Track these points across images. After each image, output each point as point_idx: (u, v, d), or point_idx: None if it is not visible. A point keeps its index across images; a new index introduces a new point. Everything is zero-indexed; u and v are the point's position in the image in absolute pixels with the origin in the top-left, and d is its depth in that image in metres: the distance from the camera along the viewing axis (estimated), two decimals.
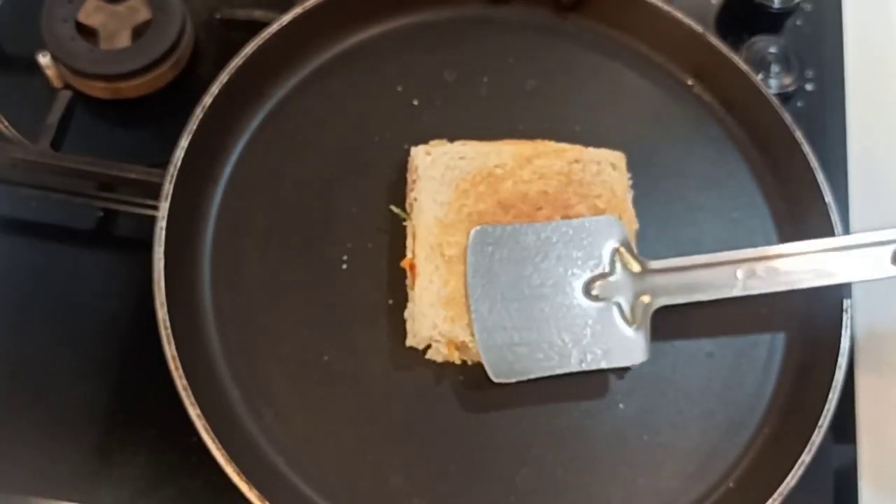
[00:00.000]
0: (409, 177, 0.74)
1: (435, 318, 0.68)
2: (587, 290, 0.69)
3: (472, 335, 0.67)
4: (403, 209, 0.73)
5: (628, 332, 0.68)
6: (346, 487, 0.66)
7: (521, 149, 0.74)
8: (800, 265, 0.69)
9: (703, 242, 0.76)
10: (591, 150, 0.75)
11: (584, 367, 0.67)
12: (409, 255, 0.71)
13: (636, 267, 0.69)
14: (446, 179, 0.72)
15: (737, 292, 0.69)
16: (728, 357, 0.73)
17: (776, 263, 0.69)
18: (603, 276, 0.69)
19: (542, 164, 0.73)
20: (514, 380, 0.67)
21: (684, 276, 0.69)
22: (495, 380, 0.67)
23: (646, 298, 0.69)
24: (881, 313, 0.79)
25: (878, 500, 0.74)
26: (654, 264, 0.70)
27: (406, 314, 0.70)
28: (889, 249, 0.68)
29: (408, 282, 0.71)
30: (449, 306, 0.68)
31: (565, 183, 0.73)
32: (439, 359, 0.69)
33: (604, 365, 0.67)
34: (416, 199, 0.72)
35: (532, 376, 0.67)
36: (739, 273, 0.69)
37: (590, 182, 0.73)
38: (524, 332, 0.67)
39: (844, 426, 0.75)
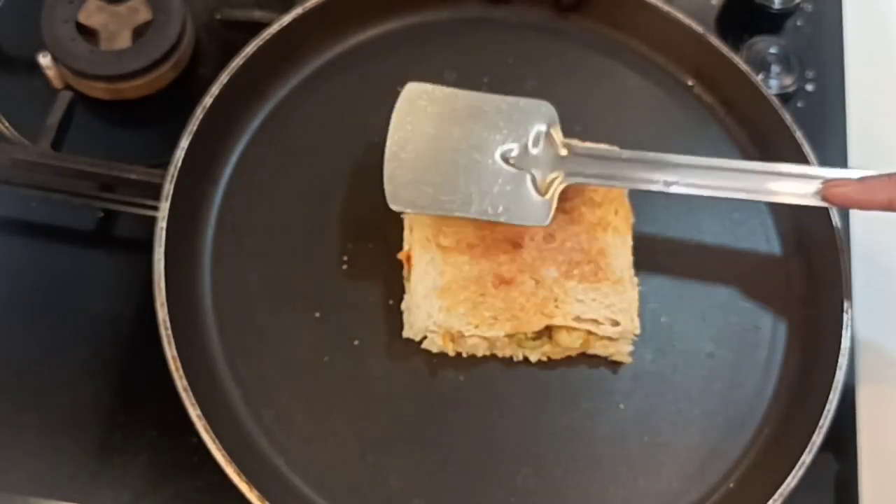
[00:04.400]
0: None
1: (430, 309, 0.68)
2: (505, 156, 0.69)
3: (468, 324, 0.68)
4: None
5: (535, 197, 0.69)
6: (346, 488, 0.66)
7: None
8: (726, 181, 0.69)
9: (702, 242, 0.76)
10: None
11: (483, 217, 0.68)
12: (405, 247, 0.71)
13: (562, 150, 0.70)
14: None
15: (655, 188, 0.69)
16: (728, 357, 0.73)
17: (703, 175, 0.69)
18: (524, 147, 0.70)
19: None
20: (409, 210, 0.69)
21: (605, 164, 0.70)
22: (392, 205, 0.67)
23: (560, 173, 0.69)
24: (881, 313, 0.79)
25: (879, 500, 0.74)
26: (577, 148, 0.71)
27: (403, 306, 0.70)
28: (815, 183, 0.68)
29: (404, 273, 0.71)
30: (444, 297, 0.68)
31: None
32: (434, 349, 0.69)
33: (503, 219, 0.68)
34: None
35: (429, 212, 0.68)
36: (661, 176, 0.69)
37: None
38: (432, 174, 0.68)
39: (844, 426, 0.75)
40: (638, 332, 0.70)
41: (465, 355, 0.70)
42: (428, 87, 0.71)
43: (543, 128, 0.71)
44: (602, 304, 0.69)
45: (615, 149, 0.72)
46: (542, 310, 0.68)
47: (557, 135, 0.71)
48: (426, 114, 0.70)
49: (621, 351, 0.70)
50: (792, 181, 0.69)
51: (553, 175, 0.69)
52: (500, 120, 0.70)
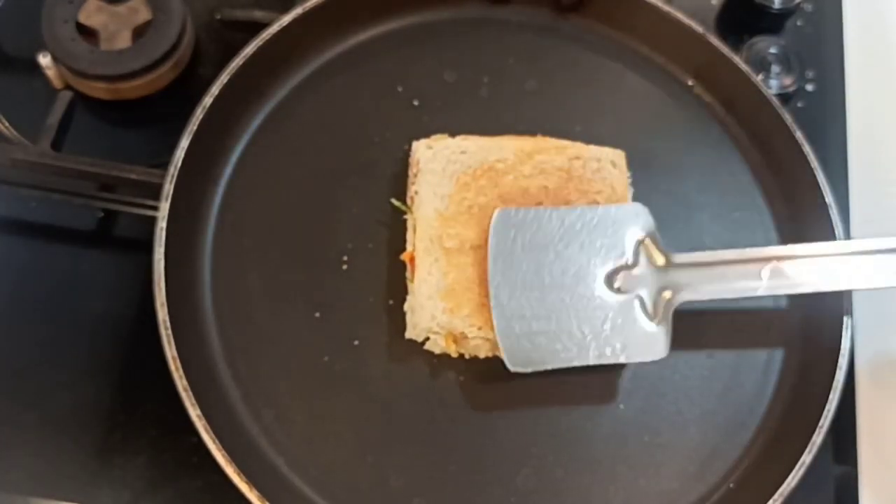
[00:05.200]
0: (411, 170, 0.74)
1: (433, 310, 0.68)
2: (609, 281, 0.67)
3: (471, 325, 0.67)
4: (404, 203, 0.74)
5: (649, 326, 0.67)
6: (346, 488, 0.66)
7: (523, 144, 0.74)
8: (823, 267, 0.67)
9: (703, 243, 0.76)
10: (591, 147, 0.75)
11: (603, 361, 0.66)
12: (409, 248, 0.71)
13: (660, 260, 0.68)
14: (447, 173, 0.72)
15: (761, 291, 0.68)
16: (728, 358, 0.73)
17: (802, 263, 0.68)
18: (626, 267, 0.68)
19: (542, 159, 0.73)
20: (530, 370, 0.66)
21: (708, 271, 0.68)
22: (512, 369, 0.66)
23: (668, 293, 0.67)
24: (882, 314, 0.79)
25: (879, 500, 0.74)
26: (679, 258, 0.69)
27: (406, 307, 0.70)
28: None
29: (407, 274, 0.71)
30: (447, 298, 0.68)
31: (566, 179, 0.73)
32: (437, 350, 0.69)
33: (622, 359, 0.66)
34: (416, 192, 0.72)
35: (549, 367, 0.66)
36: (765, 272, 0.67)
37: (590, 179, 0.73)
38: (543, 322, 0.66)
39: (844, 426, 0.75)
40: None
41: (467, 356, 0.70)
42: (512, 211, 0.69)
43: (640, 235, 0.68)
44: None
45: (714, 252, 0.69)
46: None
47: (654, 243, 0.68)
48: (517, 246, 0.67)
49: None
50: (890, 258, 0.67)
51: (660, 294, 0.67)
52: (596, 237, 0.68)
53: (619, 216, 0.69)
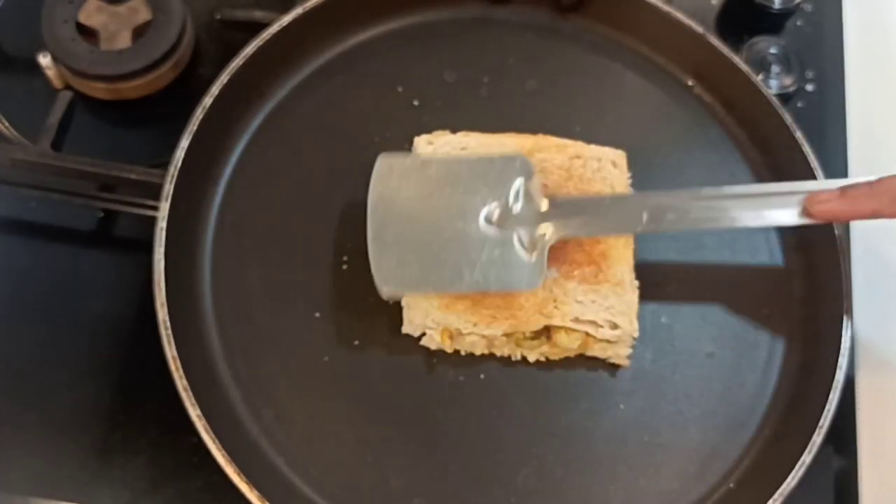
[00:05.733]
0: None
1: (428, 307, 0.68)
2: (488, 219, 0.68)
3: (466, 322, 0.68)
4: None
5: (525, 258, 0.67)
6: (346, 488, 0.66)
7: (523, 142, 0.74)
8: (708, 212, 0.68)
9: (703, 242, 0.76)
10: (592, 146, 0.75)
11: (474, 288, 0.67)
12: None
13: (543, 205, 0.69)
14: None
15: (639, 230, 0.69)
16: (728, 357, 0.73)
17: (686, 206, 0.68)
18: (505, 207, 0.69)
19: (542, 157, 0.73)
20: (401, 292, 0.68)
21: (587, 211, 0.70)
22: (382, 290, 0.67)
23: (546, 228, 0.68)
24: (881, 313, 0.79)
25: (879, 500, 0.74)
26: (559, 200, 0.70)
27: (402, 302, 0.70)
28: (797, 199, 0.67)
29: None
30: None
31: (565, 178, 0.73)
32: (433, 346, 0.70)
33: (495, 287, 0.67)
34: None
35: (421, 291, 0.68)
36: (645, 214, 0.68)
37: (590, 178, 0.73)
38: (419, 251, 0.68)
39: (844, 426, 0.75)
40: (636, 335, 0.70)
41: (463, 353, 0.70)
42: (398, 158, 0.71)
43: (521, 182, 0.69)
44: (601, 307, 0.69)
45: (596, 196, 0.72)
46: (540, 310, 0.68)
47: (536, 188, 0.70)
48: (401, 188, 0.69)
49: (619, 354, 0.70)
50: (774, 201, 0.68)
51: (539, 232, 0.68)
52: (478, 181, 0.69)
53: (502, 165, 0.70)
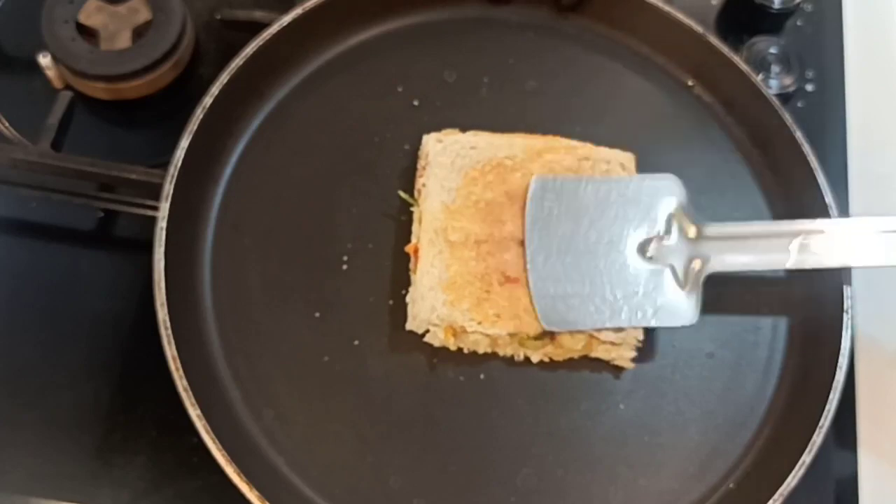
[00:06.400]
0: (419, 163, 0.75)
1: (434, 302, 0.68)
2: (642, 250, 0.69)
3: (471, 320, 0.68)
4: (412, 195, 0.74)
5: (679, 294, 0.69)
6: (346, 488, 0.66)
7: (533, 142, 0.75)
8: (855, 241, 0.68)
9: None
10: (602, 149, 0.75)
11: (634, 324, 0.68)
12: (413, 240, 0.71)
13: (692, 231, 0.70)
14: (456, 167, 0.73)
15: (790, 265, 0.69)
16: (728, 358, 0.73)
17: (832, 238, 0.68)
18: (658, 237, 0.70)
19: (551, 158, 0.74)
20: (564, 329, 0.68)
21: (738, 243, 0.69)
22: (546, 326, 0.67)
23: (698, 263, 0.69)
24: (882, 314, 0.79)
25: (879, 500, 0.74)
26: (710, 230, 0.70)
27: (407, 298, 0.70)
28: None
29: (411, 266, 0.71)
30: (449, 290, 0.68)
31: None
32: (436, 343, 0.70)
33: (653, 323, 0.68)
34: (424, 185, 0.72)
35: (582, 327, 0.68)
36: (793, 245, 0.68)
37: None
38: (577, 285, 0.68)
39: (845, 426, 0.75)
40: (641, 337, 0.70)
41: (466, 351, 0.70)
42: (549, 179, 0.71)
43: (673, 207, 0.70)
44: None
45: (744, 224, 0.72)
46: None
47: (686, 214, 0.70)
48: (553, 214, 0.70)
49: (623, 356, 0.70)
50: None
51: (691, 264, 0.69)
52: (630, 207, 0.70)
53: (654, 187, 0.71)
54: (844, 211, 0.82)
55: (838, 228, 0.69)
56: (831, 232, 0.69)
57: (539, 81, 0.81)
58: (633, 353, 0.70)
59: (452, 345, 0.69)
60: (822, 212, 0.74)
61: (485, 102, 0.80)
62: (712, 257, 0.69)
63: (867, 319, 0.77)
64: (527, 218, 0.69)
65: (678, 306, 0.68)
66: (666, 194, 0.70)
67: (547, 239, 0.69)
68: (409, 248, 0.71)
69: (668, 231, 0.70)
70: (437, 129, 0.76)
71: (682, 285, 0.69)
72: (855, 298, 0.71)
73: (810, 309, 0.74)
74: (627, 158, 0.75)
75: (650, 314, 0.68)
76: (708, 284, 0.71)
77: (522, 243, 0.70)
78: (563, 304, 0.68)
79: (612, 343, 0.69)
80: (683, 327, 0.71)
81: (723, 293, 0.74)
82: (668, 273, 0.69)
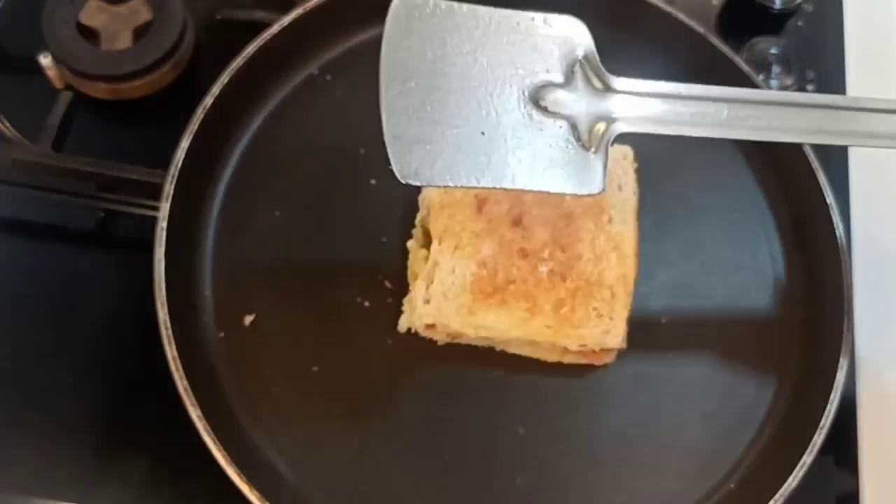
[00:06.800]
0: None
1: (430, 309, 0.68)
2: (534, 98, 0.56)
3: (468, 326, 0.67)
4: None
5: (582, 155, 0.56)
6: (346, 488, 0.66)
7: None
8: (793, 118, 0.58)
9: (703, 243, 0.76)
10: (629, 80, 0.65)
11: (518, 186, 0.56)
12: (413, 239, 0.72)
13: (599, 83, 0.58)
14: None
15: (715, 133, 0.58)
16: (729, 358, 0.73)
17: (756, 109, 0.58)
18: (556, 85, 0.57)
19: None
20: (424, 183, 0.55)
21: (650, 101, 0.58)
22: (402, 179, 0.54)
23: (604, 122, 0.57)
24: (882, 314, 0.79)
25: (879, 500, 0.74)
26: (621, 83, 0.58)
27: (405, 299, 0.70)
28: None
29: (409, 273, 0.71)
30: (449, 298, 0.68)
31: None
32: (437, 337, 0.70)
33: (544, 187, 0.56)
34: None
35: (448, 183, 0.55)
36: (725, 111, 0.58)
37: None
38: (444, 130, 0.54)
39: (845, 427, 0.75)
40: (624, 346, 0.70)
41: (463, 345, 0.70)
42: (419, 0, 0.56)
43: (578, 53, 0.57)
44: (599, 330, 0.68)
45: (662, 83, 0.59)
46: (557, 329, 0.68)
47: (593, 64, 0.58)
48: (423, 38, 0.55)
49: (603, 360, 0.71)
50: (884, 118, 0.58)
51: (596, 122, 0.57)
52: (521, 45, 0.56)
53: (552, 26, 0.57)
54: (845, 211, 0.82)
55: (764, 98, 0.59)
56: (757, 102, 0.58)
57: None
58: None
59: (446, 338, 0.70)
60: (823, 211, 0.74)
61: None
62: (620, 115, 0.57)
63: (867, 319, 0.77)
64: (383, 41, 0.55)
65: (580, 169, 0.55)
66: (568, 37, 0.57)
67: (408, 70, 0.54)
68: (410, 246, 0.71)
69: (568, 80, 0.57)
70: None
71: (586, 146, 0.56)
72: (855, 298, 0.71)
73: (811, 309, 0.74)
74: (625, 151, 0.75)
75: (540, 174, 0.55)
76: (708, 287, 0.71)
77: (523, 252, 0.69)
78: (424, 151, 0.54)
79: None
80: (684, 329, 0.71)
81: (723, 293, 0.74)
82: (567, 128, 0.56)
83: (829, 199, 0.74)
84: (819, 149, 0.76)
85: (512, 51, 0.56)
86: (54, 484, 0.68)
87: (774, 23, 0.92)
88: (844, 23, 0.94)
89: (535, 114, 0.56)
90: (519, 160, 0.55)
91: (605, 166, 0.57)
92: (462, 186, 0.55)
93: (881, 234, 0.82)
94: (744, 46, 0.88)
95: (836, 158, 0.86)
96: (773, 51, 0.88)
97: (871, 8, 0.96)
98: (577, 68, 0.57)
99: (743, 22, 0.91)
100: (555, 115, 0.56)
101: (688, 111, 0.58)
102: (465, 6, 0.57)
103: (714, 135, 0.58)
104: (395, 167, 0.54)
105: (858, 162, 0.87)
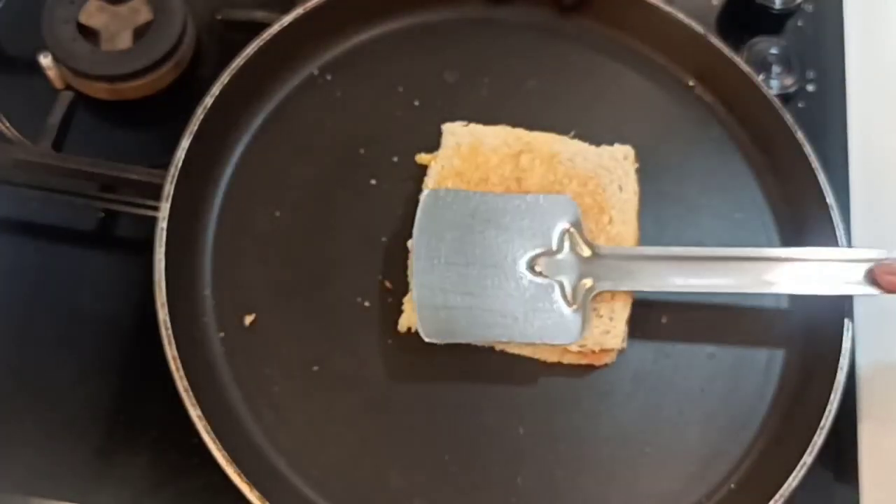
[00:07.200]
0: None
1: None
2: (531, 265, 0.68)
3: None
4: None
5: (566, 311, 0.67)
6: (346, 488, 0.66)
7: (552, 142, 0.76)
8: (747, 272, 0.68)
9: (704, 243, 0.76)
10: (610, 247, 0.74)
11: (517, 340, 0.67)
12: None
13: (585, 250, 0.69)
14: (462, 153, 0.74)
15: (677, 287, 0.69)
16: (729, 358, 0.73)
17: (725, 265, 0.69)
18: (549, 253, 0.69)
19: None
20: (443, 341, 0.67)
21: (630, 264, 0.69)
22: (426, 339, 0.66)
23: (588, 282, 0.68)
24: (882, 315, 0.79)
25: (879, 500, 0.74)
26: (603, 250, 0.69)
27: (405, 298, 0.70)
28: (861, 268, 0.68)
29: (409, 272, 0.71)
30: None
31: (581, 180, 0.75)
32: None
33: (535, 340, 0.67)
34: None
35: (463, 340, 0.67)
36: (684, 270, 0.69)
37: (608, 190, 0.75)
38: (462, 297, 0.67)
39: (845, 427, 0.75)
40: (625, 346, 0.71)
41: (462, 343, 0.70)
42: (442, 191, 0.70)
43: (566, 225, 0.69)
44: (599, 330, 0.69)
45: (639, 248, 0.72)
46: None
47: (580, 234, 0.69)
48: (444, 224, 0.69)
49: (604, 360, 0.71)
50: (832, 268, 0.68)
51: (580, 282, 0.68)
52: (523, 223, 0.69)
53: (547, 205, 0.70)
54: (846, 211, 0.82)
55: (727, 255, 0.69)
56: (722, 259, 0.69)
57: (540, 81, 0.81)
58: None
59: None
60: (823, 212, 0.74)
61: (485, 102, 0.80)
62: (603, 276, 0.68)
63: (868, 320, 0.77)
64: (415, 228, 0.69)
65: (564, 323, 0.67)
66: (560, 213, 0.69)
67: (433, 248, 0.68)
68: (410, 245, 0.71)
69: (559, 248, 0.69)
70: (439, 129, 0.76)
71: (569, 302, 0.67)
72: (856, 300, 0.71)
73: (811, 310, 0.74)
74: (626, 151, 0.75)
75: (534, 331, 0.67)
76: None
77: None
78: (445, 314, 0.66)
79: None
80: (684, 329, 0.71)
81: (724, 293, 0.74)
82: (556, 289, 0.67)
83: (830, 199, 0.74)
84: (819, 149, 0.76)
85: (516, 227, 0.69)
86: (55, 484, 0.68)
87: (774, 23, 0.92)
88: (844, 23, 0.94)
89: (531, 278, 0.68)
90: (515, 318, 0.67)
91: (584, 320, 0.67)
92: (472, 342, 0.68)
93: (881, 235, 0.82)
94: (744, 46, 0.88)
95: (835, 159, 0.86)
96: (773, 51, 0.88)
97: (871, 8, 0.96)
98: (566, 237, 0.69)
99: (743, 22, 0.91)
100: (546, 277, 0.68)
101: (665, 270, 0.69)
102: (479, 193, 0.71)
103: (674, 289, 0.69)
104: (421, 330, 0.66)
105: (858, 162, 0.87)
